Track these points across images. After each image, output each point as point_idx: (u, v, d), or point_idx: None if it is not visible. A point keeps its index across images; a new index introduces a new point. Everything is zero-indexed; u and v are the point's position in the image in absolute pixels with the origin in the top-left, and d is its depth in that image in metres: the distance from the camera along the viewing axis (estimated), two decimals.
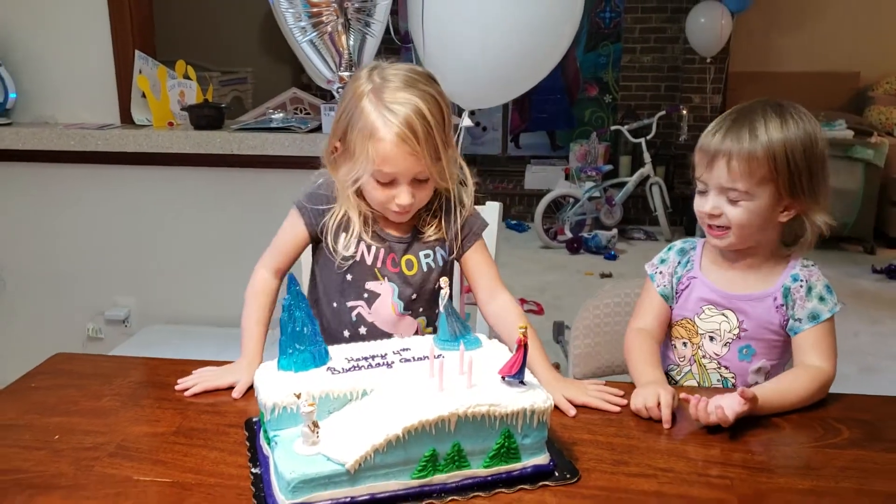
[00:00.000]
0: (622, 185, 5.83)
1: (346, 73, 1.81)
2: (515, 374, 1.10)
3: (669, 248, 1.54)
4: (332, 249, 1.51)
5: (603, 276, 5.04)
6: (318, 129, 2.63)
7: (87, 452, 1.17)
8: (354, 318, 1.55)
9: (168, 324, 2.88)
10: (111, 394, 1.36)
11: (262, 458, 1.14)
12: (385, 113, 1.38)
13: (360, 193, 1.50)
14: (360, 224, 1.50)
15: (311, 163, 2.57)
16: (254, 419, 1.26)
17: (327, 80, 1.88)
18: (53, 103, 2.83)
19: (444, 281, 1.22)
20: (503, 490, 1.08)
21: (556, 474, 1.11)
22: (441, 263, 1.57)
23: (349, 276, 1.53)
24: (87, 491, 1.08)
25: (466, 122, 1.99)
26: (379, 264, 1.52)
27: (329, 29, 1.74)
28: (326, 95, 3.93)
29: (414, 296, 1.54)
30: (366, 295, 1.53)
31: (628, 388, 1.37)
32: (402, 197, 1.43)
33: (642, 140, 5.66)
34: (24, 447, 1.19)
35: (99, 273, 2.91)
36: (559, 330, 3.66)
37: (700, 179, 1.41)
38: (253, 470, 1.12)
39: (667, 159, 6.13)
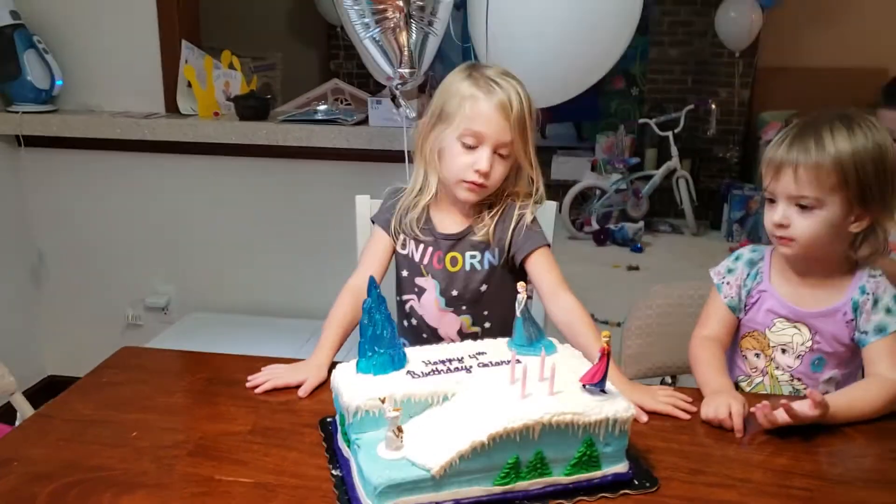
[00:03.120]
0: (648, 177, 5.82)
1: (407, 71, 1.82)
2: (598, 382, 1.11)
3: (737, 258, 1.53)
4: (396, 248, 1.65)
5: (630, 268, 5.04)
6: (365, 121, 2.64)
7: (168, 451, 1.19)
8: (408, 310, 1.69)
9: (207, 312, 2.90)
10: (183, 390, 1.38)
11: (342, 460, 1.16)
12: (487, 83, 1.50)
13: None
14: (416, 219, 1.61)
15: (356, 154, 2.60)
16: (328, 419, 1.27)
17: (387, 77, 1.88)
18: (99, 91, 2.84)
19: (521, 286, 1.23)
20: (584, 497, 1.09)
21: (636, 482, 1.12)
22: (487, 267, 1.61)
23: (404, 273, 1.66)
24: (171, 490, 1.09)
25: None
26: (426, 261, 1.62)
27: (392, 25, 1.75)
28: (369, 88, 3.93)
29: (455, 293, 1.62)
30: (416, 289, 1.66)
31: (692, 392, 1.38)
32: (482, 161, 1.49)
33: (669, 133, 5.63)
34: (106, 444, 1.20)
35: (140, 260, 2.93)
36: None
37: (768, 190, 1.40)
38: (333, 472, 1.14)
39: (693, 153, 6.11)
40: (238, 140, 2.68)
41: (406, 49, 1.78)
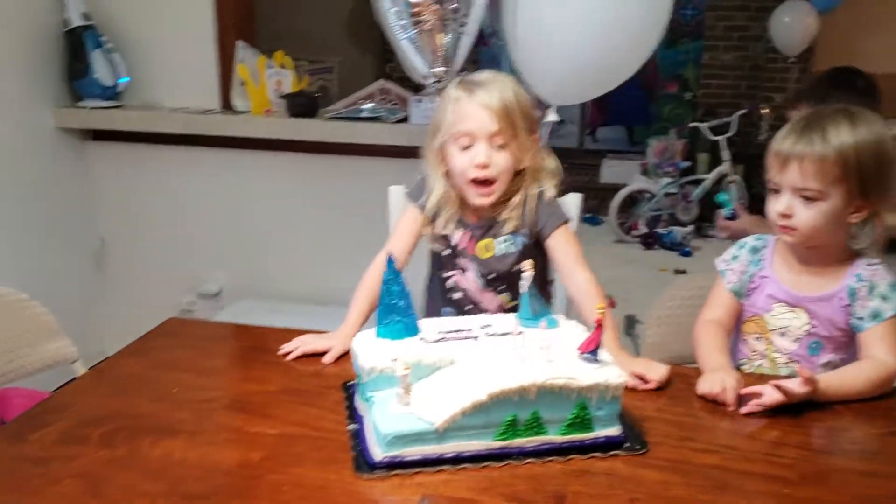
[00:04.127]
0: (699, 181, 5.81)
1: (442, 70, 1.93)
2: (592, 351, 1.20)
3: (742, 246, 1.60)
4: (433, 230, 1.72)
5: (677, 272, 5.05)
6: (405, 119, 2.76)
7: (204, 404, 1.32)
8: (451, 285, 1.76)
9: (257, 299, 3.05)
10: (222, 355, 1.51)
11: (358, 417, 1.27)
12: (468, 85, 1.61)
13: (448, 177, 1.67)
14: (450, 208, 1.68)
15: (397, 151, 2.72)
16: (349, 382, 1.38)
17: (423, 76, 2.00)
18: (161, 88, 3.02)
19: (527, 264, 1.33)
20: (577, 456, 1.18)
21: (627, 445, 1.20)
22: (520, 247, 1.70)
23: (444, 253, 1.74)
24: (205, 436, 1.22)
25: (552, 117, 2.08)
26: (463, 245, 1.71)
27: (428, 27, 1.86)
28: (416, 88, 4.06)
29: (491, 275, 1.71)
30: (459, 267, 1.74)
31: (696, 372, 1.45)
32: (479, 154, 1.57)
33: (722, 138, 5.63)
34: (149, 397, 1.34)
35: (195, 250, 3.11)
36: (630, 323, 3.72)
37: (773, 181, 1.47)
38: (350, 426, 1.25)
39: (746, 158, 6.07)
40: (288, 136, 2.83)
41: (441, 49, 1.89)
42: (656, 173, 5.92)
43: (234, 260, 3.10)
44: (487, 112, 1.56)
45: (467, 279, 1.73)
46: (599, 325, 1.19)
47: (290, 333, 1.57)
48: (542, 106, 2.06)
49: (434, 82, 2.00)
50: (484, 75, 1.63)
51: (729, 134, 5.60)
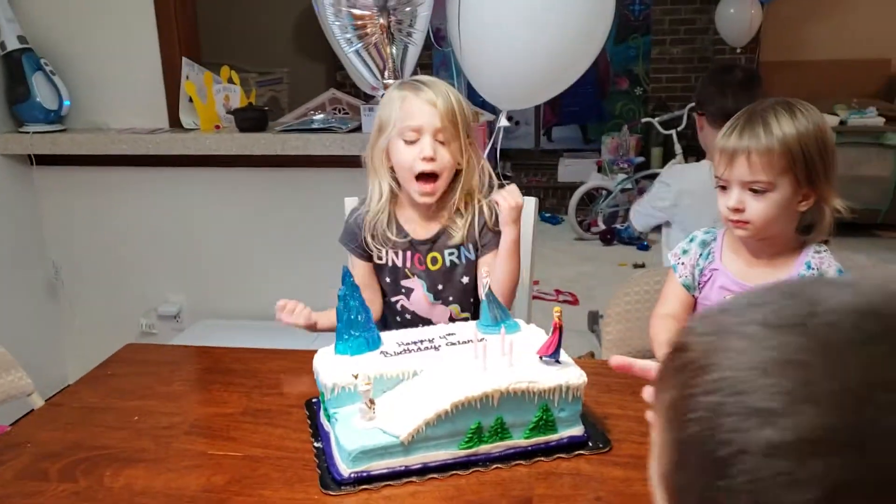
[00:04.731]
0: (654, 176, 5.85)
1: (391, 81, 1.93)
2: (552, 353, 1.21)
3: (691, 240, 1.62)
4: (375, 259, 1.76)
5: (636, 266, 5.11)
6: (358, 129, 2.74)
7: (165, 431, 1.30)
8: (399, 308, 1.78)
9: (217, 318, 3.02)
10: (181, 379, 1.49)
11: (323, 434, 1.26)
12: (414, 85, 1.66)
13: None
14: (388, 229, 1.72)
15: (351, 161, 2.71)
16: (313, 399, 1.37)
17: (372, 87, 1.99)
18: (105, 109, 2.97)
19: (484, 271, 1.33)
20: (542, 458, 1.19)
21: (590, 444, 1.21)
22: (464, 261, 1.73)
23: (387, 279, 1.77)
24: (167, 464, 1.20)
25: (503, 122, 2.09)
26: (408, 265, 1.73)
27: (374, 40, 1.86)
28: (366, 97, 4.04)
29: (440, 286, 1.74)
30: (403, 290, 1.76)
31: None
32: (426, 148, 1.61)
33: (673, 132, 5.70)
34: (109, 427, 1.32)
35: (151, 271, 3.06)
36: (594, 319, 3.75)
37: (721, 178, 1.49)
38: (315, 444, 1.24)
39: (698, 150, 6.15)
40: (238, 151, 2.79)
41: (389, 60, 1.89)
42: (612, 170, 5.97)
43: (191, 280, 3.06)
44: (433, 109, 1.62)
45: (415, 299, 1.75)
46: (556, 329, 1.20)
47: (249, 352, 1.57)
48: (495, 111, 2.07)
49: (384, 94, 2.00)
50: (426, 78, 1.69)
51: (680, 127, 5.67)
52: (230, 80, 2.99)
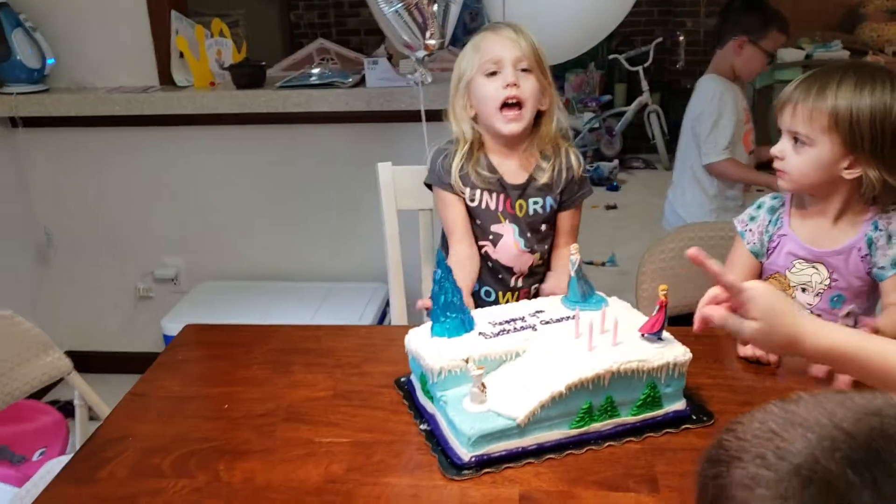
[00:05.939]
0: (620, 114, 5.91)
1: (433, 41, 1.90)
2: (656, 332, 1.23)
3: (759, 206, 1.64)
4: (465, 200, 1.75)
5: (608, 207, 5.17)
6: (362, 82, 2.69)
7: (262, 419, 1.29)
8: (483, 254, 1.78)
9: (218, 280, 2.97)
10: (258, 363, 1.47)
11: (428, 416, 1.27)
12: (493, 26, 1.72)
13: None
14: (476, 165, 1.72)
15: (356, 117, 2.66)
16: (402, 379, 1.38)
17: (414, 49, 1.95)
18: (92, 68, 2.84)
19: (574, 247, 1.34)
20: (651, 434, 1.22)
21: (694, 417, 1.25)
22: (548, 210, 1.77)
23: (478, 221, 1.76)
24: (278, 454, 1.20)
25: None
26: (500, 208, 1.74)
27: (415, 0, 1.81)
28: (356, 48, 3.93)
29: (529, 234, 1.77)
30: (491, 236, 1.76)
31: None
32: (508, 75, 1.64)
33: (639, 68, 5.71)
34: (204, 417, 1.31)
35: (147, 233, 2.98)
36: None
37: (778, 125, 1.52)
38: (421, 426, 1.25)
39: (663, 86, 6.19)
40: (237, 109, 2.71)
41: (431, 19, 1.86)
42: (578, 109, 5.98)
43: (188, 242, 2.99)
44: (513, 42, 1.65)
45: (504, 245, 1.76)
46: (662, 307, 1.22)
47: (315, 330, 1.56)
48: None
49: (425, 55, 1.96)
50: (505, 21, 1.73)
51: (646, 64, 5.69)
52: (221, 34, 2.88)
